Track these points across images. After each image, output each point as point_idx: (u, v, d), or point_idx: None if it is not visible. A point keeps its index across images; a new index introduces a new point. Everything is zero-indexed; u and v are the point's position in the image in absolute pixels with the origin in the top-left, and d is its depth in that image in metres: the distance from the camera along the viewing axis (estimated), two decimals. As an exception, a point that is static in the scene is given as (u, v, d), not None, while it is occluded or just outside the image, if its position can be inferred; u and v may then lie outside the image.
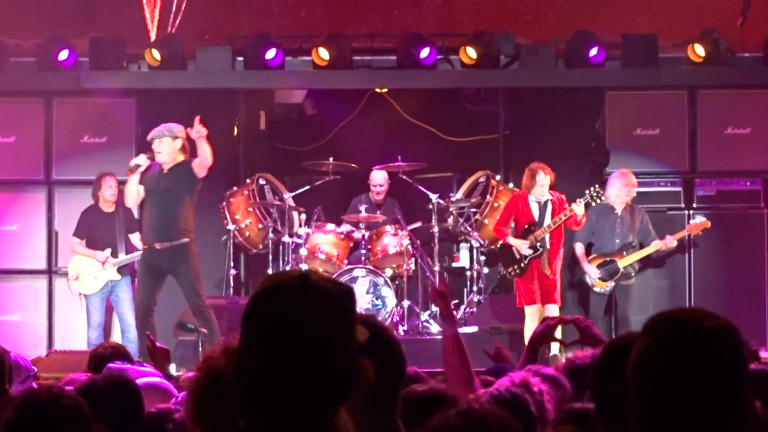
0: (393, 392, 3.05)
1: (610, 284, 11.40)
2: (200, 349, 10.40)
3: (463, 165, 13.29)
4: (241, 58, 12.56)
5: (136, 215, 11.49)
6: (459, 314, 11.86)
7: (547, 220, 11.04)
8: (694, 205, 12.18)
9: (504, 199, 11.81)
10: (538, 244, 11.01)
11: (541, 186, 11.03)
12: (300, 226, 12.02)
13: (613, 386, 2.68)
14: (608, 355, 2.86)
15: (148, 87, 12.45)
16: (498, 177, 12.55)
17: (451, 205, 12.06)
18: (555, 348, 10.53)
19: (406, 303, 11.66)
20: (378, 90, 13.46)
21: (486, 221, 12.01)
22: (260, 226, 12.09)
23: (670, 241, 11.44)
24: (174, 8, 12.90)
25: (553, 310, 10.77)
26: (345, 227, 12.05)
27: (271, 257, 11.86)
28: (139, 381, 4.38)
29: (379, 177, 12.37)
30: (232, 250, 12.06)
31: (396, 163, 12.11)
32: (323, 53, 12.30)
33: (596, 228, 11.48)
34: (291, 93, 14.19)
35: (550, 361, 9.91)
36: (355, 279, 11.53)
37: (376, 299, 11.60)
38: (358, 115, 13.77)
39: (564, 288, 11.54)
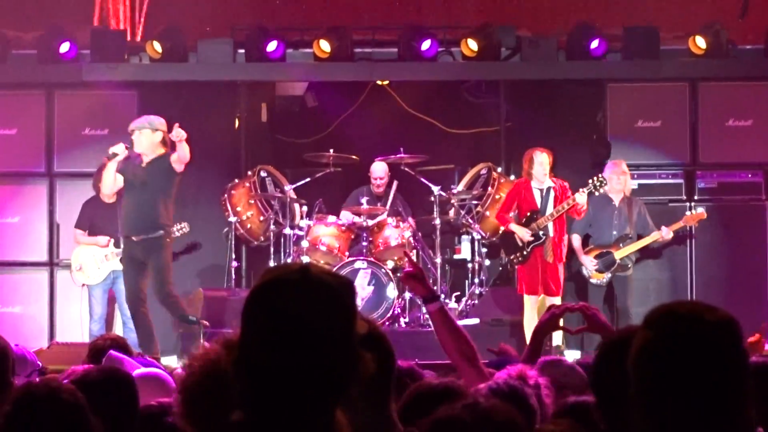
0: (386, 386, 3.07)
1: (607, 275, 11.41)
2: (202, 342, 10.40)
3: (465, 157, 13.29)
4: (242, 51, 12.55)
5: (113, 202, 11.40)
6: (461, 306, 11.87)
7: (550, 208, 11.03)
8: (696, 197, 12.19)
9: (505, 191, 11.79)
10: (541, 232, 11.01)
11: (541, 164, 11.00)
12: (301, 218, 12.03)
13: (613, 380, 2.68)
14: (608, 350, 2.86)
15: (150, 79, 12.43)
16: (499, 169, 12.53)
17: (452, 197, 12.06)
18: (558, 338, 10.54)
19: (407, 295, 11.65)
20: (379, 82, 13.44)
21: (487, 213, 12.00)
22: (261, 218, 12.09)
23: (666, 233, 11.43)
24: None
25: (554, 302, 10.75)
26: (345, 215, 12.05)
27: (272, 249, 11.86)
28: (137, 372, 4.38)
29: (379, 169, 12.35)
30: (233, 242, 12.07)
31: (397, 155, 12.11)
32: (324, 45, 12.29)
33: (593, 219, 11.48)
34: (292, 85, 14.18)
35: (553, 352, 9.92)
36: (356, 271, 11.52)
37: (377, 291, 11.59)
38: (360, 107, 13.75)
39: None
